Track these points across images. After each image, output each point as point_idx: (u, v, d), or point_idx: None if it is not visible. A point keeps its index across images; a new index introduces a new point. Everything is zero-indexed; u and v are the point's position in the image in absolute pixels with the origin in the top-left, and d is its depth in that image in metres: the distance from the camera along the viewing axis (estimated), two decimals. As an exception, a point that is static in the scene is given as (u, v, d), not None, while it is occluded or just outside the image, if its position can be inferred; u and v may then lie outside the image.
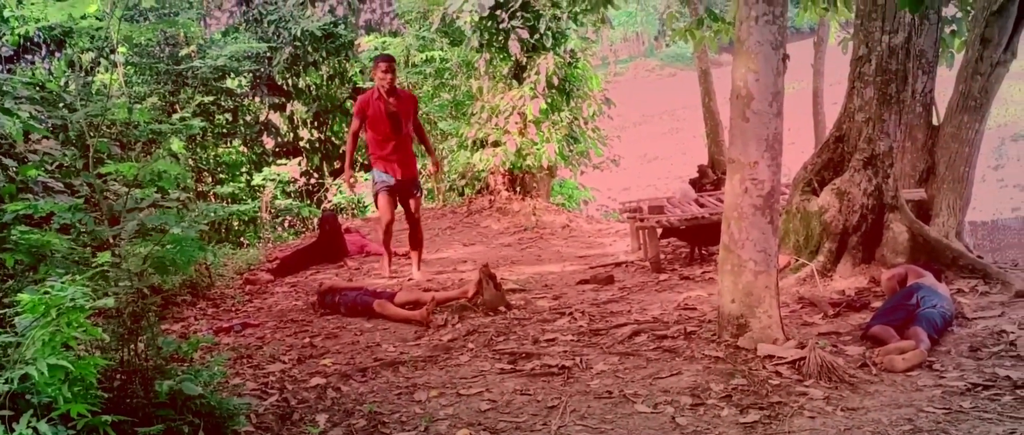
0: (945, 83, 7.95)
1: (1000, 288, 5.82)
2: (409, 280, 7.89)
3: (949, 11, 8.52)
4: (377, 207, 7.75)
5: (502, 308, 6.20)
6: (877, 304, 5.75)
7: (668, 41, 58.64)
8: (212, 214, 10.06)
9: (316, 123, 15.02)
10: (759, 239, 4.67)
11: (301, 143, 15.11)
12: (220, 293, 7.72)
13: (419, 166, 8.51)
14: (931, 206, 7.59)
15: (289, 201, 12.88)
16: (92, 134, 5.72)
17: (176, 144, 10.52)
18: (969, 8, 8.72)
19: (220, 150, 14.22)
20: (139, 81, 12.54)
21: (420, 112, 12.40)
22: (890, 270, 5.57)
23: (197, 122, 11.01)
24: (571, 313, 6.03)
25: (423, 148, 8.32)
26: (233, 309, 7.17)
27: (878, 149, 6.37)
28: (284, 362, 5.19)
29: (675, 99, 41.87)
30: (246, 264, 9.25)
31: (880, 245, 6.45)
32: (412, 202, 7.79)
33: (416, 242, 8.01)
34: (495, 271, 8.05)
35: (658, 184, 27.15)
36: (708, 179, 11.90)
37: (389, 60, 7.51)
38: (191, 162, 13.19)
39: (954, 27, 8.80)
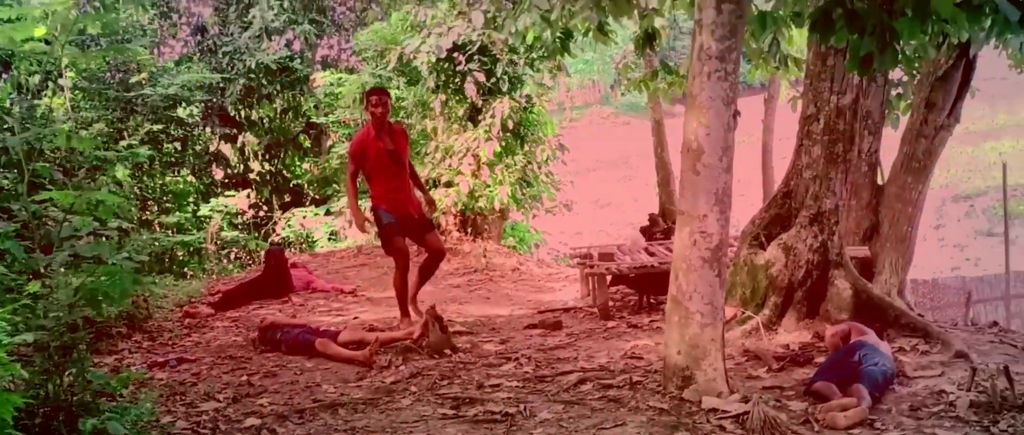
0: (890, 144, 8.13)
1: (940, 348, 5.89)
2: (355, 318, 7.77)
3: (896, 74, 8.72)
4: (390, 250, 7.00)
5: (448, 351, 6.12)
6: (821, 359, 5.78)
7: (623, 90, 59.50)
8: (155, 244, 9.86)
9: (267, 155, 14.87)
10: (707, 292, 4.68)
11: (251, 175, 14.95)
12: (158, 326, 7.53)
13: None
14: (874, 263, 7.71)
15: (236, 233, 12.67)
16: (32, 159, 5.56)
17: (120, 172, 10.34)
18: (915, 72, 8.96)
19: (168, 179, 14.00)
20: (87, 106, 12.30)
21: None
22: (834, 327, 5.62)
23: (143, 150, 10.89)
24: (517, 358, 5.97)
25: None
26: (170, 343, 6.99)
27: (824, 206, 6.45)
28: (219, 401, 5.04)
29: (629, 147, 42.26)
30: (187, 297, 9.06)
31: (825, 301, 6.50)
32: (429, 237, 7.22)
33: (428, 273, 7.36)
34: (442, 312, 8.00)
35: (610, 230, 27.30)
36: (659, 227, 11.96)
37: (380, 92, 7.01)
38: (137, 190, 12.95)
39: (900, 90, 9.02)
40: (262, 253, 12.74)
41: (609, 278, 7.50)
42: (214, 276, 11.55)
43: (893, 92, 8.76)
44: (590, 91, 59.42)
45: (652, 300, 7.71)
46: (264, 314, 7.89)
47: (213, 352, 6.51)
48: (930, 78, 8.15)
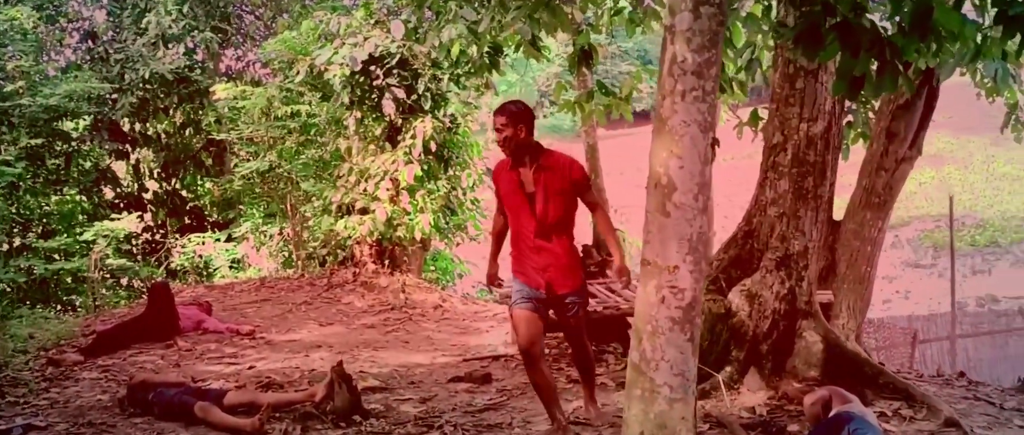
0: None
1: (926, 413, 5.18)
2: (249, 369, 6.68)
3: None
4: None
5: (356, 417, 5.11)
6: (793, 428, 5.01)
7: (546, 112, 59.11)
8: (17, 272, 8.55)
9: (164, 174, 13.56)
10: (677, 360, 3.80)
11: (146, 195, 13.60)
12: (10, 378, 6.30)
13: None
14: (831, 307, 7.01)
15: (122, 260, 11.34)
16: None
17: (-16, 192, 9.01)
18: (865, 100, 8.39)
19: (53, 199, 12.58)
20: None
21: (282, 169, 11.21)
22: (813, 394, 4.81)
23: (6, 169, 9.56)
24: (441, 427, 5.02)
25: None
26: (22, 401, 5.79)
27: (792, 248, 5.69)
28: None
29: (551, 169, 41.76)
30: (56, 337, 7.80)
31: (792, 355, 5.73)
32: (570, 319, 4.99)
33: (581, 368, 5.29)
34: (354, 359, 6.99)
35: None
36: (592, 260, 11.14)
37: (506, 113, 4.73)
38: (13, 211, 11.54)
39: (850, 118, 8.40)
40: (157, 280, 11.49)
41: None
42: (97, 310, 10.24)
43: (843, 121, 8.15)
44: (512, 112, 58.90)
45: (594, 347, 6.82)
46: (139, 365, 6.75)
47: (70, 415, 5.36)
48: (890, 106, 7.54)
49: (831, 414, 4.59)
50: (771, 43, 6.14)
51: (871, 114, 8.23)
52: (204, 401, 5.12)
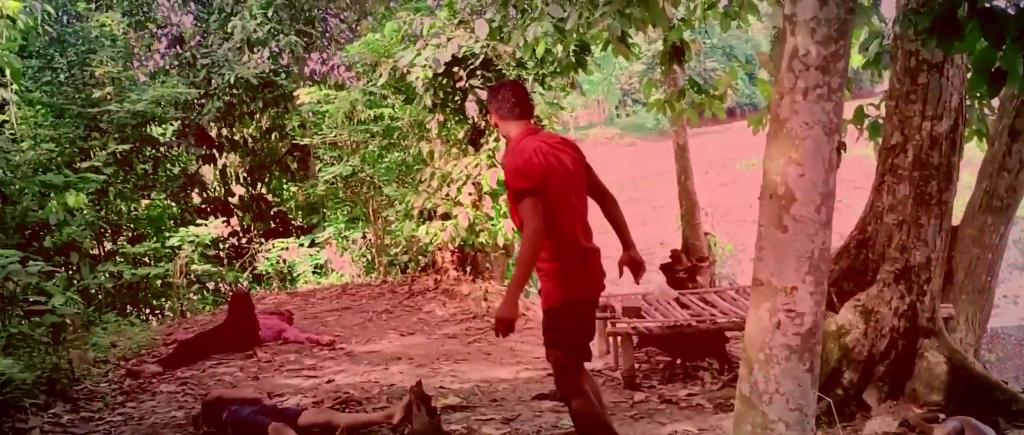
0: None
1: (1071, 446, 4.59)
2: (328, 383, 6.45)
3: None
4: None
5: (436, 441, 4.80)
6: (919, 463, 4.50)
7: (629, 111, 58.35)
8: (104, 277, 8.54)
9: (250, 179, 13.58)
10: (793, 393, 3.35)
11: (232, 200, 13.65)
12: (88, 390, 6.21)
13: None
14: (948, 321, 6.42)
15: (207, 265, 11.34)
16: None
17: (73, 198, 9.06)
18: (981, 96, 7.73)
19: (142, 204, 12.70)
20: (46, 124, 10.99)
21: (365, 173, 11.05)
22: (943, 426, 4.30)
23: (93, 176, 9.60)
24: (526, 454, 4.66)
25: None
26: (97, 416, 5.67)
27: (913, 260, 5.15)
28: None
29: (633, 169, 41.14)
30: (137, 347, 7.73)
31: (912, 378, 5.19)
32: None
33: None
34: (434, 373, 6.69)
35: (617, 256, 26.00)
36: (682, 266, 10.70)
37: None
38: (101, 217, 11.66)
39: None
40: (237, 289, 11.45)
41: (635, 338, 6.18)
42: (183, 316, 10.23)
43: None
44: (594, 111, 58.42)
45: (687, 365, 6.38)
46: (217, 378, 6.59)
47: (142, 433, 5.19)
48: (1014, 102, 6.90)
49: (966, 450, 4.08)
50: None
51: (986, 111, 7.59)
52: (279, 421, 4.88)
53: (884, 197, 5.29)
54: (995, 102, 8.42)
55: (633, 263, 4.24)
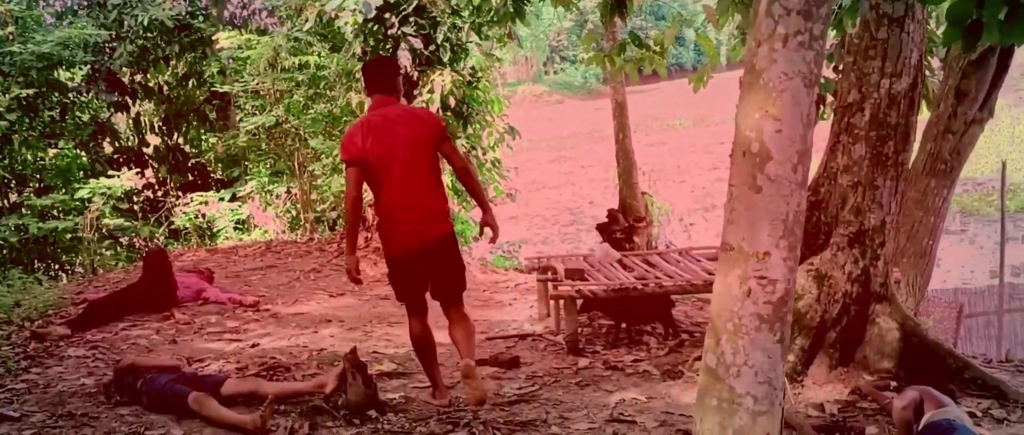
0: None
1: (1021, 413, 4.54)
2: (253, 346, 6.05)
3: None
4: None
5: (371, 412, 4.48)
6: (872, 430, 4.37)
7: (556, 68, 58.05)
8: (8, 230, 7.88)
9: (165, 128, 12.85)
10: (763, 365, 3.13)
11: (146, 150, 12.91)
12: (-12, 355, 5.69)
13: None
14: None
15: (120, 219, 10.69)
16: None
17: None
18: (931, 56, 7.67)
19: (50, 153, 11.89)
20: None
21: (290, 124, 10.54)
22: (902, 396, 4.13)
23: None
24: (468, 425, 4.38)
25: None
26: (-2, 384, 5.17)
27: (868, 223, 5.01)
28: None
29: (562, 127, 41.02)
30: (44, 306, 7.18)
31: (862, 344, 5.08)
32: None
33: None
34: (367, 337, 6.36)
35: (545, 214, 25.87)
36: (619, 225, 10.51)
37: None
38: (4, 166, 10.89)
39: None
40: (152, 246, 10.86)
41: (579, 302, 5.93)
42: (91, 274, 9.63)
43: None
44: (522, 67, 57.95)
45: (632, 329, 6.17)
46: (131, 341, 6.13)
47: (49, 404, 4.75)
48: (960, 63, 6.84)
49: (925, 420, 3.95)
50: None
51: (927, 72, 7.53)
52: (199, 391, 4.49)
53: (839, 158, 5.12)
54: (936, 62, 8.38)
55: (487, 226, 4.65)
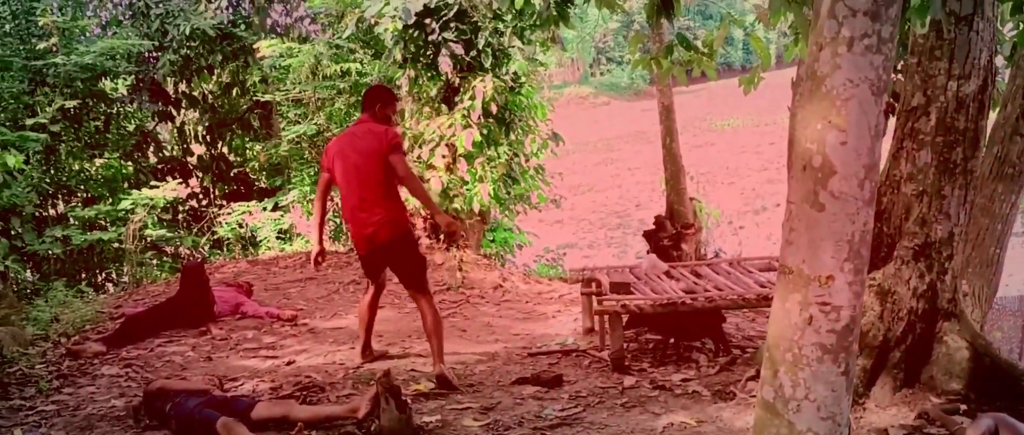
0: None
1: (1108, 443, 4.15)
2: (288, 364, 5.90)
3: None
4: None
5: (407, 438, 4.27)
6: (943, 460, 4.05)
7: (602, 70, 57.60)
8: (54, 244, 7.85)
9: (209, 137, 12.84)
10: (826, 399, 2.86)
11: (190, 160, 12.92)
12: (21, 374, 5.61)
13: None
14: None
15: (162, 230, 10.66)
16: None
17: (11, 158, 8.35)
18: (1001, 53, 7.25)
19: (96, 163, 11.93)
20: (-17, 77, 10.21)
21: (332, 132, 10.43)
22: (976, 424, 3.83)
23: (33, 134, 8.89)
24: (508, 451, 4.15)
25: None
26: (28, 405, 5.08)
27: (934, 234, 4.67)
28: None
29: (608, 129, 40.62)
30: (80, 322, 7.12)
31: (928, 364, 4.74)
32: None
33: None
34: (405, 354, 6.17)
35: (592, 218, 25.53)
36: (666, 233, 10.20)
37: None
38: (51, 178, 10.93)
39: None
40: (204, 251, 10.84)
41: (625, 317, 5.67)
42: (133, 286, 9.60)
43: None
44: (568, 70, 57.67)
45: (680, 346, 5.89)
46: (166, 358, 6.01)
47: (77, 428, 4.63)
48: (1029, 60, 6.45)
49: (1002, 451, 3.63)
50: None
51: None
52: (229, 415, 4.33)
53: (903, 165, 4.78)
54: (999, 60, 7.96)
55: (437, 227, 5.93)
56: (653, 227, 10.50)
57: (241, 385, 5.37)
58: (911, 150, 4.75)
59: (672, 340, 5.85)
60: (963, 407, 4.49)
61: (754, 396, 4.92)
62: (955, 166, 4.65)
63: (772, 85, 8.03)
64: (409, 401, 4.46)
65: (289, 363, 5.91)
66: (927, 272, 4.69)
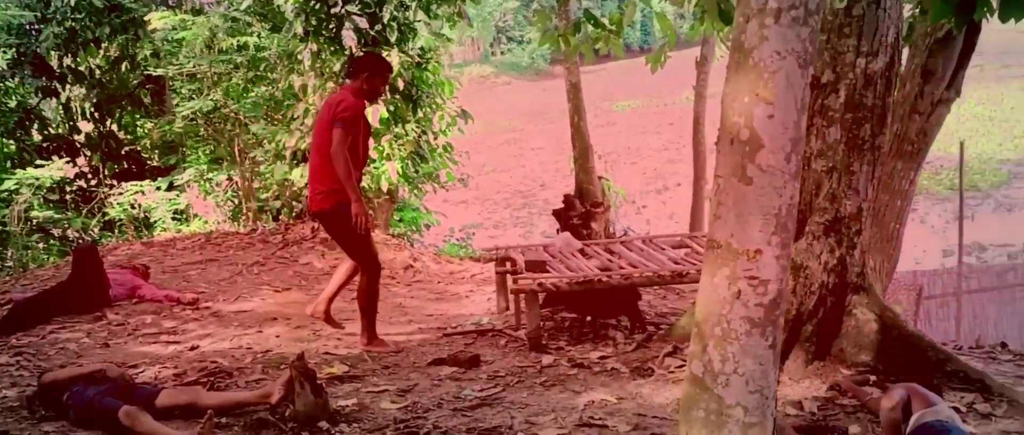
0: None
1: (1007, 408, 4.35)
2: (192, 349, 5.64)
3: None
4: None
5: (322, 423, 4.12)
6: (855, 430, 4.14)
7: (503, 49, 57.56)
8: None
9: (97, 114, 12.20)
10: (755, 372, 2.86)
11: (78, 137, 12.26)
12: (-102, 366, 5.20)
13: None
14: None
15: (50, 211, 10.10)
16: None
17: None
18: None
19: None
20: None
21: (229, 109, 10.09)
22: (889, 395, 3.90)
23: None
24: (429, 433, 4.05)
25: None
26: (-92, 399, 4.70)
27: (844, 210, 4.78)
28: None
29: (510, 109, 40.70)
30: (-38, 310, 6.66)
31: (839, 337, 4.86)
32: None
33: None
34: (316, 336, 5.99)
35: (496, 198, 25.56)
36: (576, 212, 10.21)
37: None
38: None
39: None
40: (84, 239, 10.32)
41: (542, 295, 5.63)
42: (19, 270, 9.06)
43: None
44: (469, 49, 57.43)
45: (596, 323, 5.90)
46: (59, 345, 5.67)
47: (-37, 420, 4.30)
48: (927, 41, 6.65)
49: (913, 421, 3.72)
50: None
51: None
52: (132, 404, 4.09)
53: (813, 142, 4.86)
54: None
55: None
56: (562, 206, 10.52)
57: (142, 372, 5.11)
58: (821, 127, 4.83)
59: (588, 318, 5.85)
60: (873, 378, 4.63)
61: (672, 372, 4.97)
62: (863, 142, 4.76)
63: (671, 65, 8.10)
64: (324, 385, 4.31)
65: (193, 348, 5.65)
66: (837, 247, 4.80)
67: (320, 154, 5.24)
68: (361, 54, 5.67)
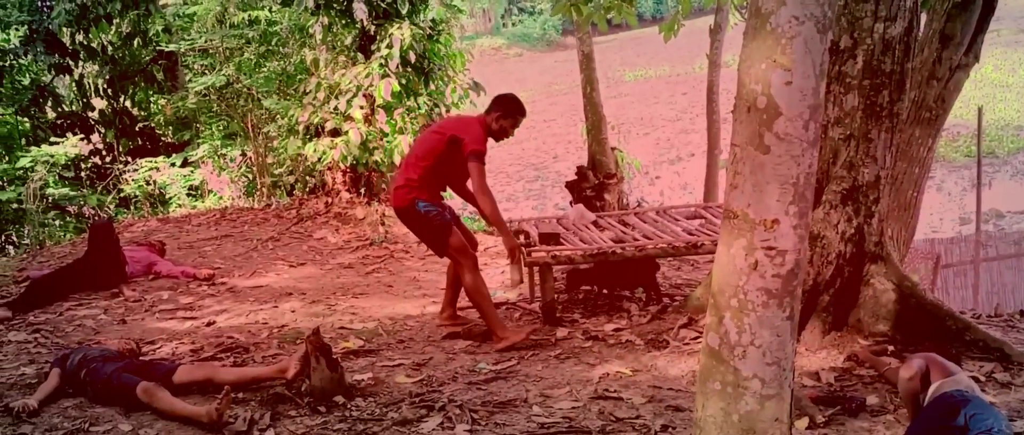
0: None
1: (1027, 377, 4.31)
2: (209, 325, 5.66)
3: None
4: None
5: (338, 398, 4.13)
6: (873, 400, 4.12)
7: (514, 19, 57.14)
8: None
9: (110, 91, 12.21)
10: (772, 344, 2.83)
11: (91, 114, 12.28)
12: (-83, 344, 5.24)
13: None
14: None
15: (65, 189, 10.14)
16: None
17: None
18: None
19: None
20: None
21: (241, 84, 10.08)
22: (908, 365, 3.87)
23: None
24: (443, 408, 4.04)
25: None
26: (-74, 376, 4.74)
27: (862, 178, 4.73)
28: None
29: (522, 81, 40.45)
30: (-18, 287, 6.71)
31: (856, 307, 4.83)
32: None
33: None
34: (332, 310, 6.00)
35: (510, 171, 25.47)
36: (589, 183, 10.17)
37: None
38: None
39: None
40: (100, 216, 10.35)
41: (556, 268, 5.60)
42: (36, 247, 9.11)
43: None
44: (480, 20, 57.04)
45: (611, 295, 5.88)
46: (77, 322, 5.70)
47: (-18, 398, 4.33)
48: (945, 5, 6.53)
49: (932, 391, 3.69)
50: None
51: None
52: (149, 380, 4.11)
53: (831, 109, 4.80)
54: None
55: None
56: (575, 178, 10.47)
57: (159, 348, 5.14)
58: (838, 93, 4.77)
59: (603, 290, 5.82)
60: (891, 348, 4.59)
61: (687, 344, 4.95)
62: (882, 109, 4.70)
63: (685, 34, 8.01)
64: (339, 359, 4.32)
65: (209, 324, 5.67)
66: (854, 216, 4.75)
67: (418, 154, 5.24)
68: (502, 94, 5.52)
